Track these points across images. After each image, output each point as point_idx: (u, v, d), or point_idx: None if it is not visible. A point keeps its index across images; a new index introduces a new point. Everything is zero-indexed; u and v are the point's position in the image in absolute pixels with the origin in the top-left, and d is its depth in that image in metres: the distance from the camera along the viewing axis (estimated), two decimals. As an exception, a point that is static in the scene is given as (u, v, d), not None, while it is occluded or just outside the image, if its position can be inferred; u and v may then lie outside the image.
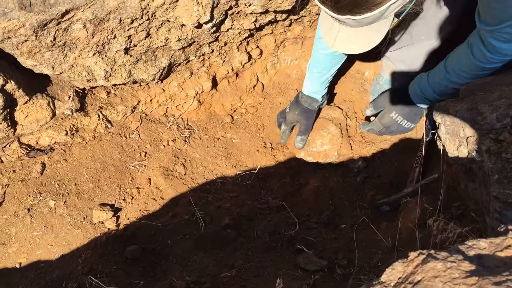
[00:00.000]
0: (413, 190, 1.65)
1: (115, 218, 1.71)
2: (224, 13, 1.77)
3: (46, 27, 1.48)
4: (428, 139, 1.81)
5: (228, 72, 2.09)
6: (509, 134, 1.19)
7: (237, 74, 2.15)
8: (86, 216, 1.70)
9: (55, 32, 1.52)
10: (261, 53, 2.15)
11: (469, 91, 1.39)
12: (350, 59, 2.29)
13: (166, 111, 2.05)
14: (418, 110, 1.81)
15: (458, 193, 1.43)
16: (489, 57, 1.37)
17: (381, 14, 1.12)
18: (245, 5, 1.78)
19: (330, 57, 1.85)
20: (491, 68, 1.41)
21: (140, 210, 1.74)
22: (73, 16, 1.50)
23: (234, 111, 2.16)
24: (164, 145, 1.95)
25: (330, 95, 2.22)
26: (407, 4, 1.14)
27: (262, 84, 2.23)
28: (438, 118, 1.41)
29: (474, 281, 0.55)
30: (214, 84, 2.10)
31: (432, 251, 0.63)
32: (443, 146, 1.40)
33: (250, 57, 2.11)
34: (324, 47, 1.80)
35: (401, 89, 1.83)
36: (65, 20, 1.50)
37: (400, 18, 1.26)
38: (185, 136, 2.00)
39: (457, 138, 1.30)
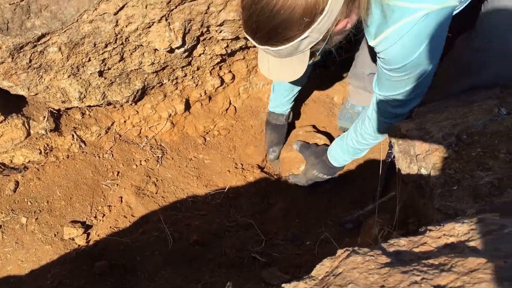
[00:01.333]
0: (373, 208, 1.73)
1: (86, 234, 1.75)
2: (196, 39, 1.86)
3: (22, 50, 1.55)
4: (389, 159, 1.91)
5: (201, 95, 2.17)
6: (453, 151, 1.28)
7: (210, 98, 2.24)
8: (57, 232, 1.74)
9: (31, 55, 1.59)
10: (233, 77, 2.24)
11: (421, 112, 1.49)
12: (319, 85, 2.41)
13: (140, 132, 2.12)
14: (338, 169, 2.00)
15: (414, 209, 1.51)
16: (383, 120, 1.60)
17: (295, 49, 1.21)
18: (216, 32, 1.88)
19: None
20: (390, 124, 1.59)
21: (110, 227, 1.78)
22: (48, 40, 1.58)
23: (207, 133, 2.24)
24: (136, 165, 2.01)
25: (302, 118, 2.32)
26: (321, 42, 1.22)
27: (235, 107, 2.32)
28: (392, 138, 1.50)
29: (386, 271, 0.62)
30: (187, 106, 2.18)
31: (356, 248, 0.70)
32: (398, 164, 1.49)
33: (222, 81, 2.20)
34: None
35: (321, 150, 2.03)
36: (40, 44, 1.57)
37: (318, 54, 1.35)
38: (158, 157, 2.07)
39: (408, 156, 1.39)
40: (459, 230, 0.72)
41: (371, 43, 1.33)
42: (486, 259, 0.60)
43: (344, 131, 2.22)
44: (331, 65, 1.89)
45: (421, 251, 0.68)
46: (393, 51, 1.30)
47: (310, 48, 1.25)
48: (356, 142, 1.78)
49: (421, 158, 1.32)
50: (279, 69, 1.35)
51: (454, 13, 1.32)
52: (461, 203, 1.15)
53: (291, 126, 2.26)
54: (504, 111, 1.36)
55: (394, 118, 1.58)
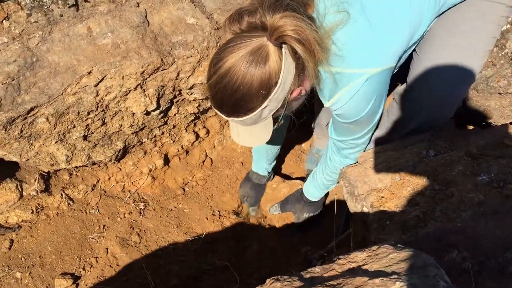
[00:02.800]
0: (335, 245, 1.91)
1: (75, 285, 1.92)
2: (169, 101, 2.09)
3: (14, 123, 1.77)
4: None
5: (178, 150, 2.39)
6: (388, 191, 1.49)
7: (187, 151, 2.45)
8: (49, 285, 1.90)
9: (22, 126, 1.80)
10: (208, 132, 2.46)
11: (364, 158, 1.71)
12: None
13: (123, 187, 2.31)
14: (321, 201, 2.21)
15: (363, 243, 1.70)
16: (340, 159, 1.77)
17: (258, 117, 1.35)
18: (188, 94, 2.11)
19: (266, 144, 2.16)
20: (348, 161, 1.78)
21: (97, 277, 1.95)
22: (37, 112, 1.80)
23: (186, 184, 2.43)
24: (121, 218, 2.19)
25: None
26: (280, 109, 1.37)
27: (211, 159, 2.53)
28: (340, 181, 1.71)
29: (296, 292, 0.82)
30: (166, 161, 2.38)
31: (279, 276, 0.89)
32: (347, 204, 1.69)
33: (198, 136, 2.42)
34: None
35: (298, 196, 2.22)
36: (30, 116, 1.79)
37: (280, 120, 1.50)
38: (140, 209, 2.26)
39: (353, 197, 1.59)
40: (359, 257, 0.91)
41: (326, 104, 1.49)
42: (368, 277, 0.79)
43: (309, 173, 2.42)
44: (292, 129, 2.09)
45: (329, 275, 0.87)
46: (346, 108, 1.46)
47: (272, 115, 1.39)
48: (324, 180, 1.97)
49: (362, 198, 1.52)
50: (248, 135, 1.47)
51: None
52: (391, 236, 1.34)
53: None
54: (432, 153, 1.58)
55: (349, 156, 1.73)
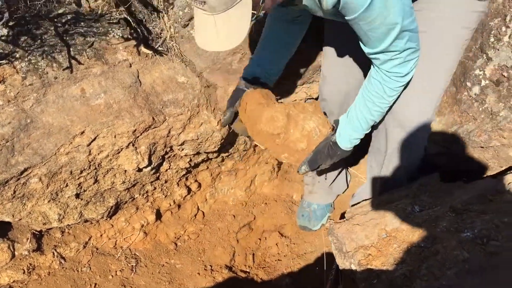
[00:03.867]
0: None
1: None
2: (161, 157, 2.13)
3: (7, 184, 1.79)
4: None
5: (170, 205, 2.41)
6: (375, 248, 1.51)
7: (179, 206, 2.47)
8: None
9: (15, 187, 1.83)
10: (199, 186, 2.49)
11: (351, 213, 1.74)
12: (280, 184, 2.66)
13: (115, 244, 2.32)
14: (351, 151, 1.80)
15: (354, 299, 1.70)
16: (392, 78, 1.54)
17: None
18: (179, 150, 2.16)
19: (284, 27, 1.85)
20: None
21: (89, 337, 1.93)
22: (30, 173, 1.83)
23: (178, 238, 2.44)
24: (112, 275, 2.18)
25: (264, 217, 2.54)
26: None
27: (203, 212, 2.54)
28: (329, 238, 1.73)
29: None
30: (158, 216, 2.40)
31: None
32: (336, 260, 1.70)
33: (189, 190, 2.45)
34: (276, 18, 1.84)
35: (334, 153, 1.75)
36: (23, 176, 1.82)
37: (260, 10, 1.29)
38: (132, 265, 2.25)
39: (342, 253, 1.61)
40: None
41: None
42: None
43: (304, 230, 2.45)
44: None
45: None
46: None
47: None
48: (367, 113, 1.65)
49: (350, 255, 1.54)
50: (218, 33, 1.25)
51: None
52: (379, 295, 1.36)
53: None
54: (417, 209, 1.61)
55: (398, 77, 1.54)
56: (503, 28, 1.81)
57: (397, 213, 1.59)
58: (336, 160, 1.75)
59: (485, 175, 1.97)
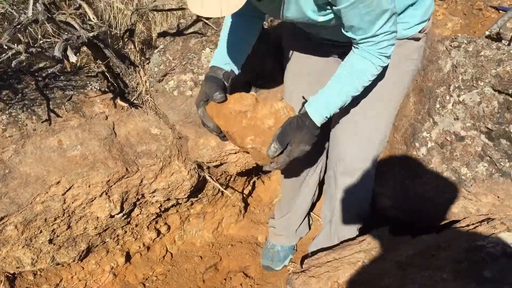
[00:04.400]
0: None
1: None
2: (132, 204, 2.25)
3: (-17, 231, 1.88)
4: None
5: (140, 247, 2.51)
6: (329, 300, 1.66)
7: (148, 248, 2.57)
8: None
9: (-9, 234, 1.91)
10: (169, 228, 2.60)
11: (308, 265, 1.89)
12: (245, 226, 2.80)
13: (85, 285, 2.39)
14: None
15: None
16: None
17: None
18: (150, 197, 2.28)
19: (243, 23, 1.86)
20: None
21: None
22: (7, 221, 1.91)
23: (146, 279, 2.54)
24: (81, 318, 2.27)
25: (229, 259, 2.66)
26: None
27: (171, 253, 2.65)
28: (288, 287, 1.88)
29: None
30: (128, 258, 2.50)
31: None
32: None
33: (159, 232, 2.56)
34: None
35: (300, 121, 1.65)
36: (0, 224, 1.91)
37: None
38: (101, 307, 2.34)
39: (299, 304, 1.75)
40: None
41: None
42: None
43: (267, 270, 2.58)
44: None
45: None
46: None
47: None
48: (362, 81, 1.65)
49: (306, 306, 1.69)
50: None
51: None
52: None
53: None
54: (367, 262, 1.78)
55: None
56: (447, 97, 2.03)
57: (349, 266, 1.75)
58: (306, 134, 1.62)
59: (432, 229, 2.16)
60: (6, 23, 2.15)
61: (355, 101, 1.83)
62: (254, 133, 1.65)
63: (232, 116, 1.66)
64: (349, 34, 1.56)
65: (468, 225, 1.92)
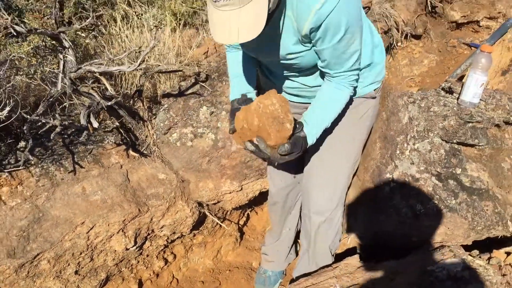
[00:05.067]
0: None
1: None
2: (144, 238, 2.65)
3: (23, 266, 2.28)
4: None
5: (150, 275, 2.90)
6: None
7: (157, 275, 2.97)
8: None
9: (29, 268, 2.31)
10: (175, 257, 3.00)
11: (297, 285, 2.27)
12: (241, 252, 3.19)
13: (104, 309, 2.79)
14: None
15: None
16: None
17: None
18: (159, 232, 2.68)
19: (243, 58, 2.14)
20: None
21: None
22: (41, 257, 2.32)
23: (156, 303, 2.93)
24: (102, 336, 2.65)
25: (226, 284, 3.05)
26: None
27: (177, 279, 3.04)
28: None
29: None
30: (140, 285, 2.89)
31: None
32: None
33: (166, 261, 2.96)
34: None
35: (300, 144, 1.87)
36: (36, 260, 2.31)
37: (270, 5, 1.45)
38: (118, 327, 2.72)
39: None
40: None
41: (315, 7, 1.54)
42: None
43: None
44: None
45: None
46: (338, 9, 1.55)
47: None
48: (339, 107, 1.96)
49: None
50: (241, 24, 1.40)
51: None
52: None
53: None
54: (338, 287, 2.17)
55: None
56: (405, 144, 2.44)
57: (323, 290, 2.14)
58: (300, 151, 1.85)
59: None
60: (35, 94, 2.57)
61: (324, 152, 2.24)
62: (255, 135, 1.79)
63: (241, 134, 1.85)
64: (325, 70, 1.85)
65: (423, 252, 2.32)
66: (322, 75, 1.97)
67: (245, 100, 2.04)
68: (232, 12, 1.39)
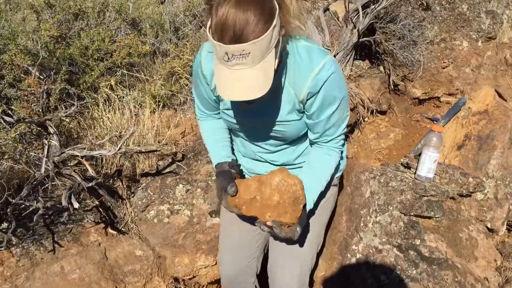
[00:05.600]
0: None
1: None
2: None
3: None
4: None
5: None
6: None
7: None
8: None
9: None
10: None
11: None
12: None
13: None
14: None
15: None
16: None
17: (268, 43, 1.40)
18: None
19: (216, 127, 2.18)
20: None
21: None
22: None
23: None
24: None
25: None
26: (278, 42, 1.48)
27: None
28: None
29: None
30: None
31: None
32: None
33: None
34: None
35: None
36: None
37: (276, 58, 1.49)
38: None
39: None
40: None
41: (314, 72, 1.64)
42: None
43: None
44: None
45: None
46: (333, 79, 1.66)
47: (275, 46, 1.45)
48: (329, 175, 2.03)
49: None
50: (252, 82, 1.44)
51: None
52: None
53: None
54: None
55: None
56: (368, 217, 2.61)
57: None
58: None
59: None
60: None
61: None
62: (269, 210, 1.82)
63: (247, 203, 1.84)
64: (317, 140, 1.94)
65: (389, 322, 2.43)
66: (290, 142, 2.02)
67: (235, 165, 2.05)
68: (243, 71, 1.42)
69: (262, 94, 1.46)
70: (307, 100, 1.74)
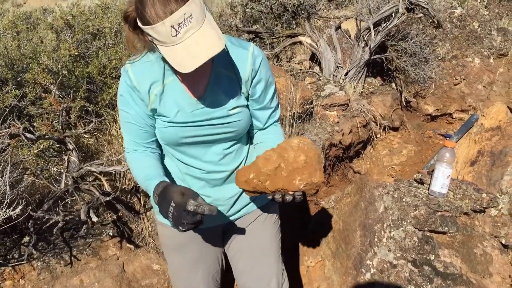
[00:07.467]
0: None
1: None
2: (137, 329, 2.73)
3: None
4: None
5: None
6: None
7: None
8: None
9: None
10: None
11: None
12: None
13: None
14: None
15: None
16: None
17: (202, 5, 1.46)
18: (152, 322, 2.77)
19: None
20: None
21: None
22: None
23: None
24: None
25: None
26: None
27: None
28: None
29: None
30: None
31: None
32: None
33: None
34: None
35: None
36: None
37: None
38: None
39: None
40: None
41: (250, 52, 1.72)
42: None
43: None
44: None
45: None
46: (265, 59, 1.76)
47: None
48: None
49: None
50: (208, 38, 1.44)
51: None
52: None
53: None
54: None
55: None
56: (382, 232, 2.63)
57: None
58: None
59: None
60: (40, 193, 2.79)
61: (256, 253, 2.17)
62: (298, 174, 1.67)
63: (271, 176, 1.66)
64: (265, 126, 1.93)
65: (404, 337, 2.43)
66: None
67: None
68: (195, 34, 1.43)
69: (223, 47, 1.44)
70: (253, 79, 1.76)
